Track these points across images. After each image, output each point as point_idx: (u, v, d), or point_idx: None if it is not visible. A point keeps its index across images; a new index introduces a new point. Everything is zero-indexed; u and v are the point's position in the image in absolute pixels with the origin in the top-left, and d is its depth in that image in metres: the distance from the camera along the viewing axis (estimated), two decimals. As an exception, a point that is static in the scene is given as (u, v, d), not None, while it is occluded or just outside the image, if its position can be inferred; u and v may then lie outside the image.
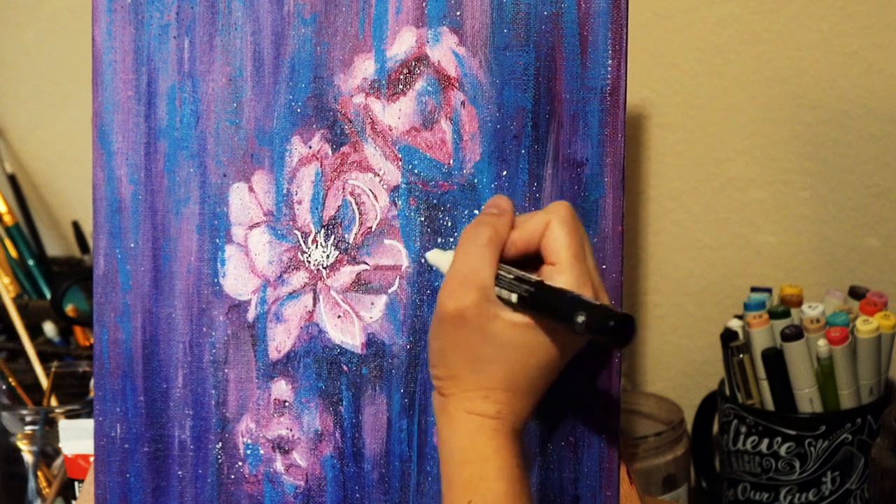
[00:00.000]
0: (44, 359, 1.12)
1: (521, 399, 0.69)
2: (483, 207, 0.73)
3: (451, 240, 0.79)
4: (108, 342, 0.81)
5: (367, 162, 0.79)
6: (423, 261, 0.79)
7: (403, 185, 0.79)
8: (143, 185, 0.81)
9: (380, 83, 0.79)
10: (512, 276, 0.68)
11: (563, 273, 0.68)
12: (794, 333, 1.04)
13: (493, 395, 0.68)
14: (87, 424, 0.93)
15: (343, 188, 0.80)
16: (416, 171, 0.79)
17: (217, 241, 0.80)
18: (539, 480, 0.79)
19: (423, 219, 0.79)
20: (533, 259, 0.70)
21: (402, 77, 0.79)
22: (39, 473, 1.03)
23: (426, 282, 0.79)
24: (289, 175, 0.80)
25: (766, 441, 1.06)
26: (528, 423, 0.71)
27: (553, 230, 0.69)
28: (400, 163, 0.79)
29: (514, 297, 0.67)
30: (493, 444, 0.68)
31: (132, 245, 0.81)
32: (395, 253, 0.79)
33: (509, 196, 0.78)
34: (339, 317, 0.80)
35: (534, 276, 0.68)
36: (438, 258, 0.74)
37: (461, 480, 0.68)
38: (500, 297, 0.68)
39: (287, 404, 0.80)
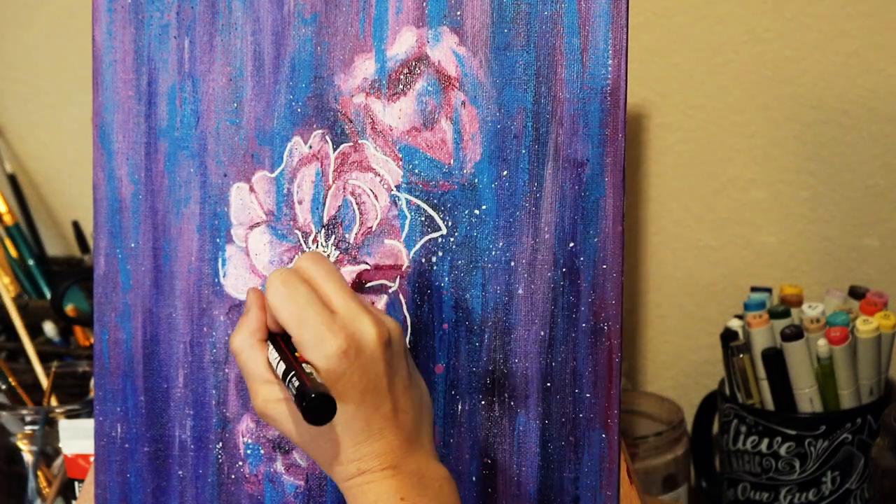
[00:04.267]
0: (44, 359, 1.12)
1: (366, 445, 0.69)
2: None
3: (452, 239, 0.79)
4: (109, 342, 0.81)
5: (368, 162, 0.79)
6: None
7: (404, 185, 0.79)
8: (143, 185, 0.81)
9: (380, 83, 0.79)
10: (273, 361, 0.70)
11: (296, 340, 0.69)
12: (794, 333, 1.04)
13: (340, 458, 0.69)
14: (87, 424, 0.93)
15: (343, 188, 0.80)
16: (416, 170, 0.79)
17: (217, 240, 0.80)
18: (539, 480, 0.79)
19: (423, 219, 0.79)
20: None
21: (402, 77, 0.79)
22: (39, 473, 1.03)
23: (426, 282, 0.79)
24: (289, 175, 0.80)
25: (766, 441, 1.06)
26: (403, 456, 0.70)
27: (271, 312, 0.70)
28: (400, 163, 0.79)
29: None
30: (366, 499, 0.68)
31: (132, 245, 0.81)
32: (396, 253, 0.79)
33: (509, 194, 0.78)
34: (339, 317, 0.80)
35: (279, 358, 0.69)
36: None
37: None
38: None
39: (287, 404, 0.80)
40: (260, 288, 0.77)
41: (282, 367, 0.68)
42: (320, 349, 0.67)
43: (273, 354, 0.69)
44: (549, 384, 0.79)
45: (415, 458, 0.70)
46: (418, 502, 0.68)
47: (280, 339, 0.71)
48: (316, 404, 0.64)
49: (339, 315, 0.69)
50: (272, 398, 0.70)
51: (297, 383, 0.65)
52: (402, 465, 0.69)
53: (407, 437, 0.70)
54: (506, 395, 0.78)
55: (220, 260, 0.81)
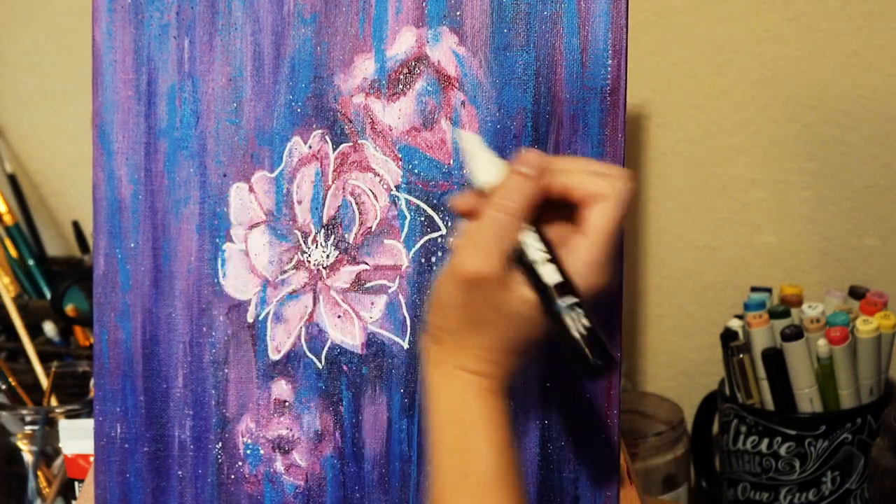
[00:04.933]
0: (44, 359, 1.12)
1: (512, 357, 0.68)
2: (516, 164, 0.69)
3: (452, 239, 0.79)
4: (108, 342, 0.81)
5: (367, 162, 0.79)
6: (454, 137, 0.77)
7: (403, 185, 0.79)
8: (143, 185, 0.81)
9: (380, 83, 0.79)
10: (537, 252, 0.66)
11: (588, 251, 0.66)
12: (794, 333, 1.04)
13: (489, 356, 0.67)
14: (87, 424, 0.93)
15: (343, 188, 0.80)
16: (416, 170, 0.79)
17: (217, 240, 0.80)
18: (539, 480, 0.79)
19: (423, 219, 0.79)
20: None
21: (402, 77, 0.79)
22: (39, 473, 1.03)
23: (426, 282, 0.79)
24: (289, 175, 0.80)
25: (766, 441, 1.06)
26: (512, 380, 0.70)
27: (603, 208, 0.67)
28: (400, 163, 0.79)
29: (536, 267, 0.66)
30: (483, 406, 0.67)
31: (132, 245, 0.81)
32: (396, 253, 0.79)
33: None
34: (339, 317, 0.80)
35: (551, 258, 0.66)
36: (471, 144, 0.70)
37: (449, 441, 0.67)
38: (521, 263, 0.67)
39: (287, 404, 0.80)
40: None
41: (556, 277, 0.64)
42: (593, 274, 0.66)
43: (535, 242, 0.66)
44: (548, 384, 0.79)
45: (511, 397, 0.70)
46: (507, 438, 0.68)
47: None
48: (609, 364, 0.62)
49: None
50: (497, 272, 0.66)
51: (586, 322, 0.63)
52: (509, 396, 0.69)
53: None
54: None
55: (219, 260, 0.81)
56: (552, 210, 0.69)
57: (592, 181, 0.68)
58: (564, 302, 0.64)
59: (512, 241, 0.67)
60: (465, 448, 0.67)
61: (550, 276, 0.65)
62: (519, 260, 0.66)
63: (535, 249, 0.66)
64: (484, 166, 0.69)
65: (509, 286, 0.67)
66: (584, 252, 0.67)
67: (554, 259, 0.66)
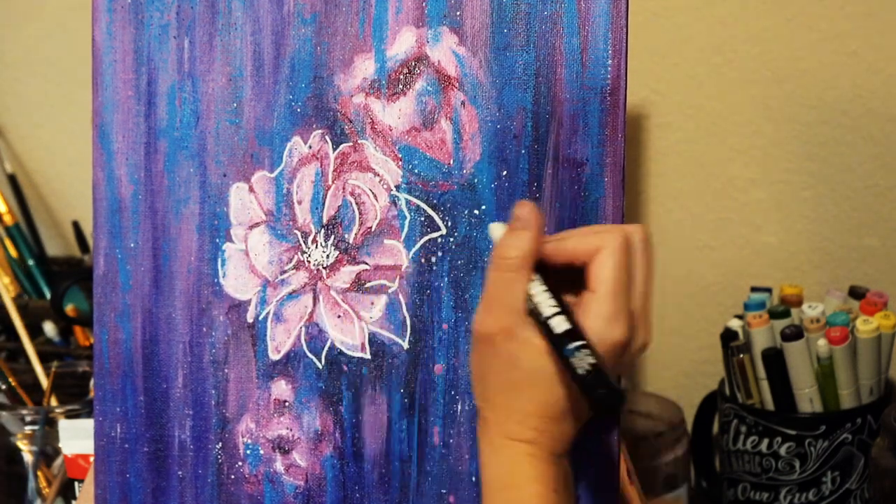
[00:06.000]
0: (44, 359, 1.12)
1: (557, 424, 0.68)
2: (512, 219, 0.70)
3: (452, 239, 0.79)
4: (108, 342, 0.81)
5: (367, 162, 0.79)
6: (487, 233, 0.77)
7: (403, 185, 0.79)
8: (143, 185, 0.81)
9: (380, 83, 0.79)
10: (545, 304, 0.67)
11: (598, 304, 0.67)
12: (794, 333, 1.04)
13: (527, 421, 0.68)
14: (87, 424, 0.93)
15: (343, 188, 0.80)
16: (416, 170, 0.79)
17: (217, 240, 0.80)
18: (539, 480, 0.79)
19: (423, 219, 0.79)
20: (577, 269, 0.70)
21: (402, 77, 0.79)
22: (39, 473, 1.03)
23: (426, 282, 0.79)
24: (289, 175, 0.80)
25: (766, 441, 1.06)
26: (570, 447, 0.70)
27: (602, 259, 0.68)
28: (400, 163, 0.79)
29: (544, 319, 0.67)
30: (529, 471, 0.67)
31: (132, 245, 0.81)
32: (395, 253, 0.79)
33: (509, 194, 0.78)
34: (339, 317, 0.80)
35: (559, 309, 0.67)
36: (499, 233, 0.72)
37: None
38: (533, 316, 0.67)
39: (287, 404, 0.80)
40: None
41: (564, 325, 0.66)
42: (609, 327, 0.66)
43: (542, 294, 0.67)
44: (548, 384, 0.79)
45: (568, 461, 0.70)
46: (562, 501, 0.68)
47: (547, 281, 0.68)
48: (616, 398, 0.64)
49: (636, 312, 0.68)
50: (505, 326, 0.67)
51: (591, 360, 0.64)
52: (565, 459, 0.69)
53: (575, 440, 0.70)
54: (505, 395, 0.78)
55: (219, 260, 0.81)
56: (565, 279, 0.69)
57: (589, 239, 0.69)
58: (571, 346, 0.65)
59: (516, 295, 0.68)
60: None
61: (559, 325, 0.66)
62: (531, 313, 0.67)
63: (543, 303, 0.67)
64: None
65: (521, 339, 0.67)
66: (594, 306, 0.67)
67: (563, 310, 0.67)
